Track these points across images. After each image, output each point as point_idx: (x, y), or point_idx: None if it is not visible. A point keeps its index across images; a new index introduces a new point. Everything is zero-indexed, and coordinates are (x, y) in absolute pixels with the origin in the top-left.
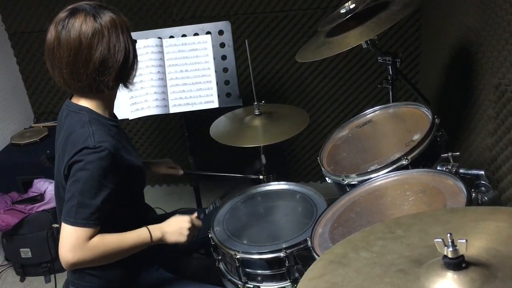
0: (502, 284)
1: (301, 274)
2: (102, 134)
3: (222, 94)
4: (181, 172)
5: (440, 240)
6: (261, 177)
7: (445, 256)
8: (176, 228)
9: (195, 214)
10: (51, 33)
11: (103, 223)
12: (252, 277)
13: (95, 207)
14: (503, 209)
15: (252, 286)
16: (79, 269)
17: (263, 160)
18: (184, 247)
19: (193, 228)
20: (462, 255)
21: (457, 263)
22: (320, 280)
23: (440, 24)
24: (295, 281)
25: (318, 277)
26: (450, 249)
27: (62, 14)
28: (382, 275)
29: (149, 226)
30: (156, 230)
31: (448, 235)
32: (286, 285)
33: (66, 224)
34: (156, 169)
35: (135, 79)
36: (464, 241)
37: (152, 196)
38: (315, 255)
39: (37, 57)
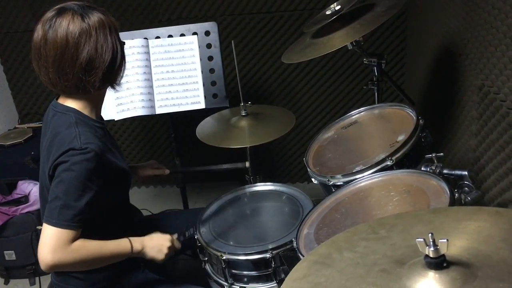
0: (482, 283)
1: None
2: (88, 135)
3: (209, 95)
4: (167, 171)
5: (422, 240)
6: (247, 165)
7: (427, 256)
8: (157, 244)
9: (176, 236)
10: (38, 32)
11: (87, 224)
12: (238, 278)
13: (79, 209)
14: (484, 209)
15: (238, 287)
16: (63, 272)
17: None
18: None
19: (172, 248)
20: (443, 255)
21: (439, 263)
22: (304, 280)
23: (425, 26)
24: (281, 282)
25: (302, 277)
26: (432, 248)
27: (50, 14)
28: (365, 275)
29: (131, 238)
30: (137, 243)
31: (430, 235)
32: (272, 286)
33: (47, 225)
34: (142, 171)
35: (121, 80)
36: (445, 240)
37: (139, 197)
38: (300, 256)
39: (21, 57)
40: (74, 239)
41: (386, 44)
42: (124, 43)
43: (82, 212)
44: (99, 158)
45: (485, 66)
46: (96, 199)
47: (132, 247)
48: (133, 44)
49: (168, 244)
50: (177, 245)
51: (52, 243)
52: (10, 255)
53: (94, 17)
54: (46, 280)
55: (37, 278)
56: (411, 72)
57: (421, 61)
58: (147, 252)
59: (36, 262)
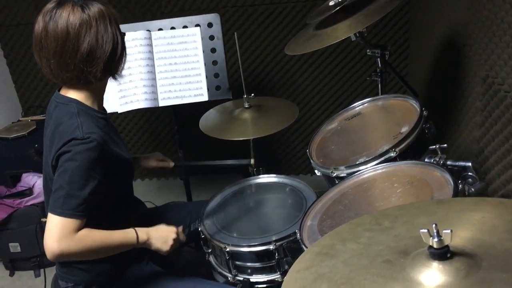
0: (486, 274)
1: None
2: (90, 125)
3: (212, 87)
4: (171, 164)
5: (426, 230)
6: (252, 162)
7: (431, 247)
8: (162, 235)
9: (181, 228)
10: (38, 24)
11: (92, 215)
12: (242, 270)
13: (83, 198)
14: (488, 200)
15: (242, 278)
16: (68, 264)
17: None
18: None
19: (177, 240)
20: (447, 245)
21: (442, 253)
22: (307, 271)
23: (428, 17)
24: (284, 274)
25: (305, 268)
26: (435, 239)
27: (50, 5)
28: (368, 266)
29: (137, 228)
30: (143, 233)
31: (434, 225)
32: (276, 278)
33: (52, 215)
34: (146, 163)
35: (124, 72)
36: (449, 231)
37: (142, 189)
38: (303, 247)
39: (24, 50)
40: (79, 228)
41: (390, 35)
42: (124, 34)
43: (86, 201)
44: (101, 148)
45: (489, 57)
46: (100, 189)
47: (137, 237)
48: (135, 36)
49: (174, 236)
50: (182, 237)
51: (58, 232)
52: (15, 247)
53: (94, 8)
54: (51, 272)
55: (42, 270)
56: (414, 63)
57: (425, 52)
58: (153, 243)
59: (41, 254)
